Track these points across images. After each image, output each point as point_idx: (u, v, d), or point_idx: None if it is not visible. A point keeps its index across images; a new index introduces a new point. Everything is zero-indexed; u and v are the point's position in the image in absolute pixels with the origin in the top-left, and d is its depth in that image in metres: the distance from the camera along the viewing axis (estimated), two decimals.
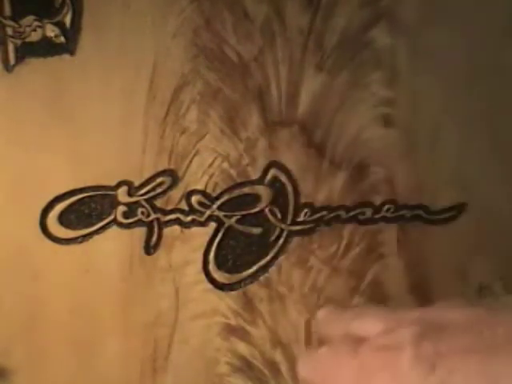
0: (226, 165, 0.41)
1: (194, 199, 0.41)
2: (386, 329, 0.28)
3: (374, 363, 0.27)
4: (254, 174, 0.41)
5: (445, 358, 0.24)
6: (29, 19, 0.38)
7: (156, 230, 0.41)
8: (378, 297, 0.42)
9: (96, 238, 0.41)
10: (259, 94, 0.41)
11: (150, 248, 0.41)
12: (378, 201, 0.42)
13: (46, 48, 0.39)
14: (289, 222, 0.42)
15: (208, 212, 0.41)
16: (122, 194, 0.40)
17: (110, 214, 0.40)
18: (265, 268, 0.42)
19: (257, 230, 0.42)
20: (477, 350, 0.24)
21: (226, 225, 0.41)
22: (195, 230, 0.41)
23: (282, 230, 0.42)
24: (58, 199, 0.40)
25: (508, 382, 0.23)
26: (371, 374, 0.26)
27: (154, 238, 0.41)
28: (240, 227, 0.42)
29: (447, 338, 0.25)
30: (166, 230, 0.41)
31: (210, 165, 0.41)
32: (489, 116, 0.42)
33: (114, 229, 0.41)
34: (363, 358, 0.27)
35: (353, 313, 0.31)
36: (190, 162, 0.41)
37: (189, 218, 0.41)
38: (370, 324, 0.29)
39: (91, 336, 0.41)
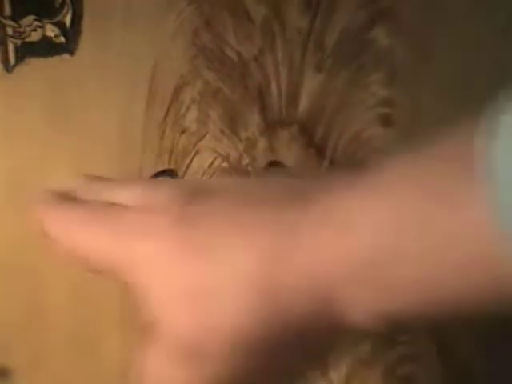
0: (225, 165, 0.41)
1: None
2: (144, 194, 0.26)
3: (134, 228, 0.24)
4: (254, 174, 0.41)
5: (202, 216, 0.24)
6: (29, 19, 0.38)
7: None
8: None
9: None
10: (259, 94, 0.41)
11: None
12: None
13: (46, 48, 0.39)
14: None
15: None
16: None
17: None
18: None
19: None
20: (233, 209, 0.24)
21: None
22: None
23: None
24: None
25: (249, 226, 0.23)
26: (130, 239, 0.24)
27: None
28: None
29: (210, 200, 0.24)
30: None
31: (210, 165, 0.41)
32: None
33: None
34: (119, 222, 0.25)
35: (107, 182, 0.28)
36: (190, 162, 0.41)
37: None
38: (126, 192, 0.26)
39: (91, 336, 0.41)
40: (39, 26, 0.38)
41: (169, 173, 0.41)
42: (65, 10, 0.39)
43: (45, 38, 0.39)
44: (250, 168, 0.41)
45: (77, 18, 0.39)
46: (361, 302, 0.21)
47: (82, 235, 0.25)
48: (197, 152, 0.41)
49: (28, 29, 0.38)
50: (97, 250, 0.25)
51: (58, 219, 0.26)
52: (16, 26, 0.38)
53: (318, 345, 0.23)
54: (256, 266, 0.22)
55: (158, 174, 0.41)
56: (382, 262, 0.20)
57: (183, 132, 0.40)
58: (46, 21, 0.39)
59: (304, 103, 0.41)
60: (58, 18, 0.39)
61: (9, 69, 0.39)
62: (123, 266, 0.25)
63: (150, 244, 0.24)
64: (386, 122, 0.41)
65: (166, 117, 0.40)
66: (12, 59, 0.39)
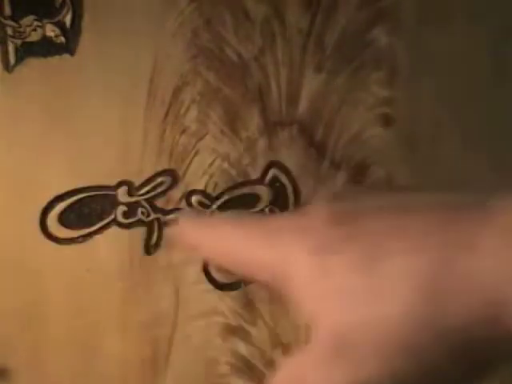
0: (226, 165, 0.41)
1: (194, 199, 0.41)
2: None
3: (283, 225, 0.24)
4: (254, 174, 0.41)
5: (358, 216, 0.23)
6: (29, 19, 0.38)
7: (156, 230, 0.41)
8: None
9: (96, 238, 0.40)
10: (259, 94, 0.41)
11: (150, 248, 0.41)
12: None
13: (46, 48, 0.39)
14: None
15: (208, 212, 0.41)
16: (121, 194, 0.40)
17: (110, 214, 0.40)
18: None
19: None
20: (387, 209, 0.23)
21: None
22: None
23: None
24: (58, 199, 0.40)
25: (416, 230, 0.22)
26: (279, 233, 0.24)
27: (154, 238, 0.41)
28: None
29: (362, 201, 0.24)
30: (166, 230, 0.41)
31: (210, 165, 0.41)
32: (489, 116, 0.42)
33: (114, 229, 0.41)
34: (270, 226, 0.25)
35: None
36: (190, 162, 0.41)
37: None
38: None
39: (91, 336, 0.41)
40: (39, 26, 0.38)
41: (169, 173, 0.41)
42: (65, 10, 0.39)
43: (45, 38, 0.39)
44: (249, 168, 0.41)
45: (77, 18, 0.39)
46: None
47: (233, 239, 0.25)
48: (197, 152, 0.41)
49: (28, 29, 0.38)
50: (248, 254, 0.25)
51: (209, 225, 0.27)
52: (16, 25, 0.38)
53: (484, 353, 0.21)
54: (425, 266, 0.21)
55: (158, 174, 0.41)
56: None
57: (183, 132, 0.40)
58: (45, 21, 0.39)
59: (304, 103, 0.41)
60: (58, 18, 0.39)
61: (9, 69, 0.39)
62: (270, 275, 0.24)
63: (304, 244, 0.23)
64: (386, 121, 0.41)
65: (166, 117, 0.40)
66: (12, 59, 0.39)
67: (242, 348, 0.42)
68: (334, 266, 0.22)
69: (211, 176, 0.41)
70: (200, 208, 0.41)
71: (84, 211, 0.40)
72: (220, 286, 0.42)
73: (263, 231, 0.25)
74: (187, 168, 0.41)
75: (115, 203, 0.40)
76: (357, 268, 0.22)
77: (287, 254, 0.24)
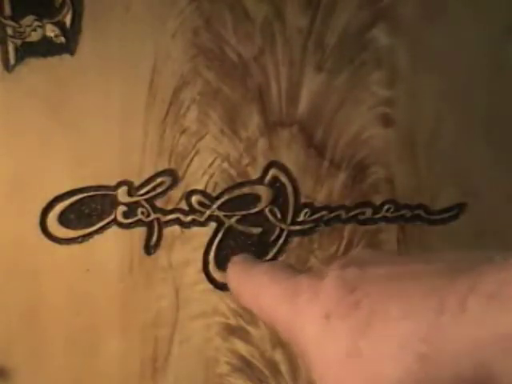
0: (225, 165, 0.41)
1: (194, 199, 0.41)
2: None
3: (299, 288, 0.27)
4: (254, 174, 0.41)
5: (366, 282, 0.25)
6: (29, 19, 0.38)
7: (156, 230, 0.41)
8: None
9: (96, 238, 0.41)
10: (259, 94, 0.41)
11: (150, 248, 0.41)
12: (378, 201, 0.42)
13: (46, 48, 0.39)
14: (289, 222, 0.42)
15: (208, 212, 0.41)
16: (121, 194, 0.40)
17: (110, 214, 0.40)
18: None
19: (257, 230, 0.42)
20: (396, 278, 0.25)
21: (226, 225, 0.41)
22: (195, 229, 0.41)
23: (281, 230, 0.42)
24: (58, 199, 0.40)
25: (415, 295, 0.23)
26: (298, 295, 0.27)
27: (154, 238, 0.41)
28: (240, 227, 0.42)
29: (372, 267, 0.26)
30: (166, 230, 0.41)
31: (210, 165, 0.41)
32: (489, 116, 0.42)
33: (114, 229, 0.41)
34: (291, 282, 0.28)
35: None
36: (190, 161, 0.41)
37: (189, 218, 0.41)
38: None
39: (91, 336, 0.41)
40: (39, 26, 0.38)
41: (169, 173, 0.41)
42: (65, 10, 0.39)
43: (45, 38, 0.39)
44: (249, 168, 0.41)
45: (77, 18, 0.39)
46: None
47: (264, 292, 0.29)
48: (197, 152, 0.41)
49: (28, 29, 0.38)
50: (272, 309, 0.28)
51: (249, 274, 0.31)
52: (16, 25, 0.38)
53: None
54: (418, 330, 0.22)
55: (158, 174, 0.41)
56: None
57: (183, 132, 0.40)
58: (46, 21, 0.39)
59: (304, 103, 0.41)
60: (58, 18, 0.39)
61: (9, 69, 0.39)
62: (288, 330, 0.27)
63: (315, 308, 0.26)
64: (386, 122, 0.41)
65: (166, 117, 0.40)
66: (12, 59, 0.39)
67: (242, 348, 0.42)
68: (339, 330, 0.24)
69: (211, 176, 0.41)
70: (200, 208, 0.41)
71: (84, 211, 0.40)
72: (220, 286, 0.42)
73: (289, 290, 0.28)
74: (187, 168, 0.41)
75: (115, 203, 0.40)
76: (359, 332, 0.24)
77: (300, 316, 0.26)
